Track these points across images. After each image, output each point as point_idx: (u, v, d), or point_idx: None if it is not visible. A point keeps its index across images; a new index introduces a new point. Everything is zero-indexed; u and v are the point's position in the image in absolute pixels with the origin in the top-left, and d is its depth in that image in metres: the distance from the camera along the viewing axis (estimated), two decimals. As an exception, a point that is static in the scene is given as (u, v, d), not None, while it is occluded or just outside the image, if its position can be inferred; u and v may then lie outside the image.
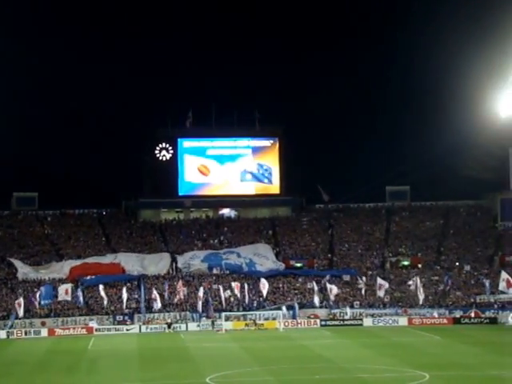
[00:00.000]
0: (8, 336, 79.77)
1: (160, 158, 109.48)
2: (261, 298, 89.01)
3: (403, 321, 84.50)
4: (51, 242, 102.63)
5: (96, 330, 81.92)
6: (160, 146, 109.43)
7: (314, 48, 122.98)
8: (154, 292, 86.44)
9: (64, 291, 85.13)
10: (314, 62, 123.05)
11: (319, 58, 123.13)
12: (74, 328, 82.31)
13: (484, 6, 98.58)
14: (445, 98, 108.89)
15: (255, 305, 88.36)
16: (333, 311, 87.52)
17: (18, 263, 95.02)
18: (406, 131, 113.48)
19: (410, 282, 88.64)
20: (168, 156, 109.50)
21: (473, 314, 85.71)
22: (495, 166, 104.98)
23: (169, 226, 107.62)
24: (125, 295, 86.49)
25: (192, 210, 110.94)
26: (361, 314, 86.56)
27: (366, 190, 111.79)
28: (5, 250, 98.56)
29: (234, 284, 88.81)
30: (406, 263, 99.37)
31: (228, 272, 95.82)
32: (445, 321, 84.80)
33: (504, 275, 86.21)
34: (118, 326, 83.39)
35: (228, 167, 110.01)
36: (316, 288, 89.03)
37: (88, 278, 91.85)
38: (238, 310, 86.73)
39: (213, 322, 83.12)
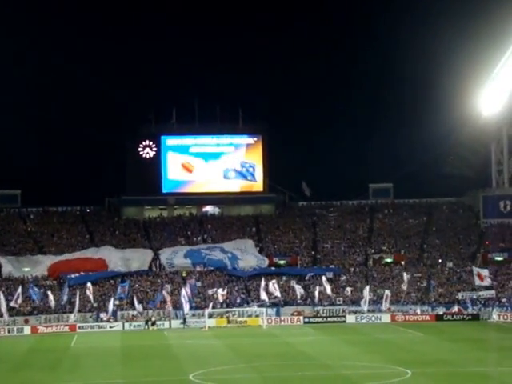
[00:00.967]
0: (-9, 334, 79.37)
1: (143, 155, 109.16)
2: (243, 295, 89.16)
3: (386, 317, 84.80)
4: (34, 239, 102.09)
5: (79, 327, 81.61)
6: (143, 143, 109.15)
7: (297, 46, 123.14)
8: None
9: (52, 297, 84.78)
10: (297, 60, 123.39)
11: (303, 56, 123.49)
12: (56, 326, 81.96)
13: (468, 4, 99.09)
14: (427, 95, 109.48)
15: (238, 301, 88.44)
16: (316, 308, 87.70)
17: (2, 260, 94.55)
18: (389, 129, 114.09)
19: (404, 283, 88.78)
20: (151, 153, 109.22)
21: (456, 310, 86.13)
22: (477, 163, 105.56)
23: (152, 224, 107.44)
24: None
25: (176, 208, 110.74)
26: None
27: (349, 188, 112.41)
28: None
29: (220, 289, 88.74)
30: (389, 260, 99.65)
31: (212, 268, 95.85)
32: (427, 317, 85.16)
33: (475, 270, 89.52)
34: (101, 324, 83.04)
35: (211, 165, 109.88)
36: (298, 286, 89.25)
37: (73, 276, 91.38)
38: (222, 307, 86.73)
39: (184, 320, 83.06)
